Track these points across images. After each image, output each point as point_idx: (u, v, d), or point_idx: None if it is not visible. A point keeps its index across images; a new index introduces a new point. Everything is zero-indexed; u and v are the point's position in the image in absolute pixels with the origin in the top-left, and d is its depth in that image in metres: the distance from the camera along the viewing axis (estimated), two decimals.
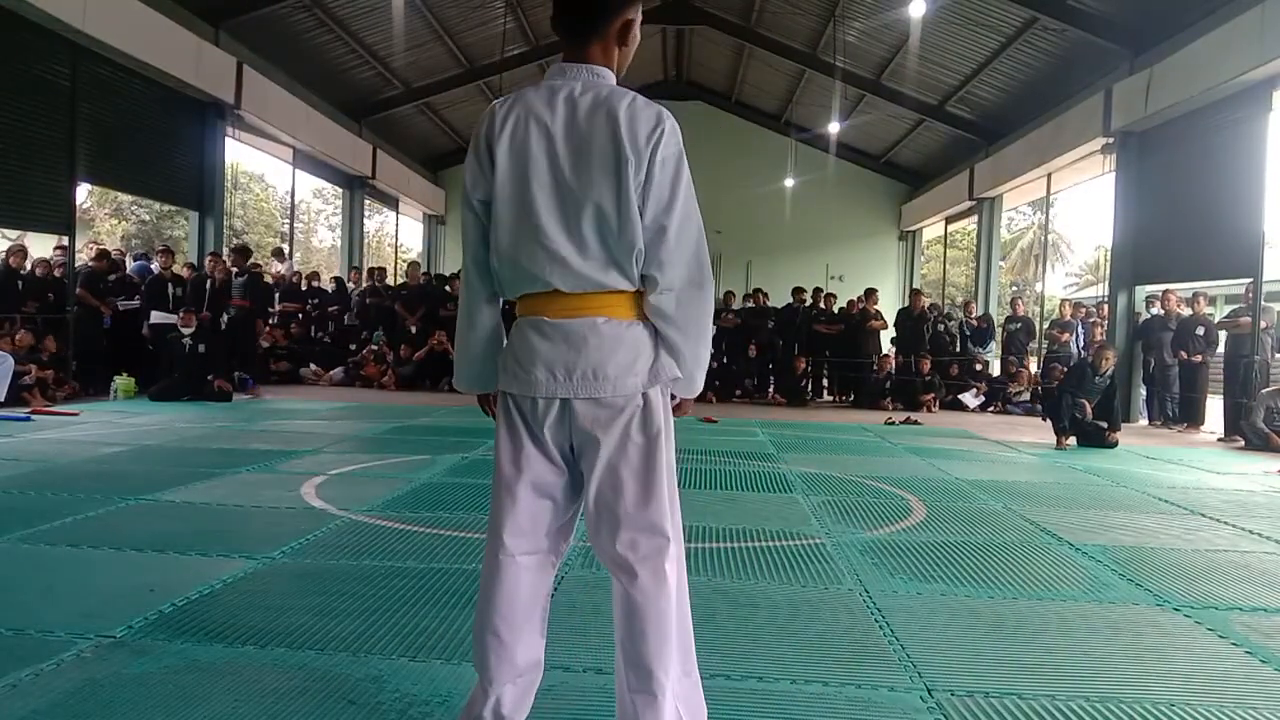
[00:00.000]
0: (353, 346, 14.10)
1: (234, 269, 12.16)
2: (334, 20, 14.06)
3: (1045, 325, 14.66)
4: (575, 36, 1.96)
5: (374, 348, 13.64)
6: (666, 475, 1.94)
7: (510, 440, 1.99)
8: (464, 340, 2.10)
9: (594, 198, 1.86)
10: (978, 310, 15.52)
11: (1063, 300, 17.51)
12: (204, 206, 12.45)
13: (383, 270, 15.46)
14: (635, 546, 1.91)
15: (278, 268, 15.47)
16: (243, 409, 9.52)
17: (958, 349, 13.86)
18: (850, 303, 14.51)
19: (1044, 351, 13.99)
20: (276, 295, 13.94)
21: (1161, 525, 5.03)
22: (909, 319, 13.94)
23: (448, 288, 14.28)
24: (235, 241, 17.61)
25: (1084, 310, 14.25)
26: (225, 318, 11.60)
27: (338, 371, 13.53)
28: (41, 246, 12.59)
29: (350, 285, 15.17)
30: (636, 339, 1.94)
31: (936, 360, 13.59)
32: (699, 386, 2.04)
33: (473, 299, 2.07)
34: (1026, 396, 12.68)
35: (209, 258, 11.67)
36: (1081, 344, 13.27)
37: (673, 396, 2.05)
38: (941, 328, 14.01)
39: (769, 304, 14.16)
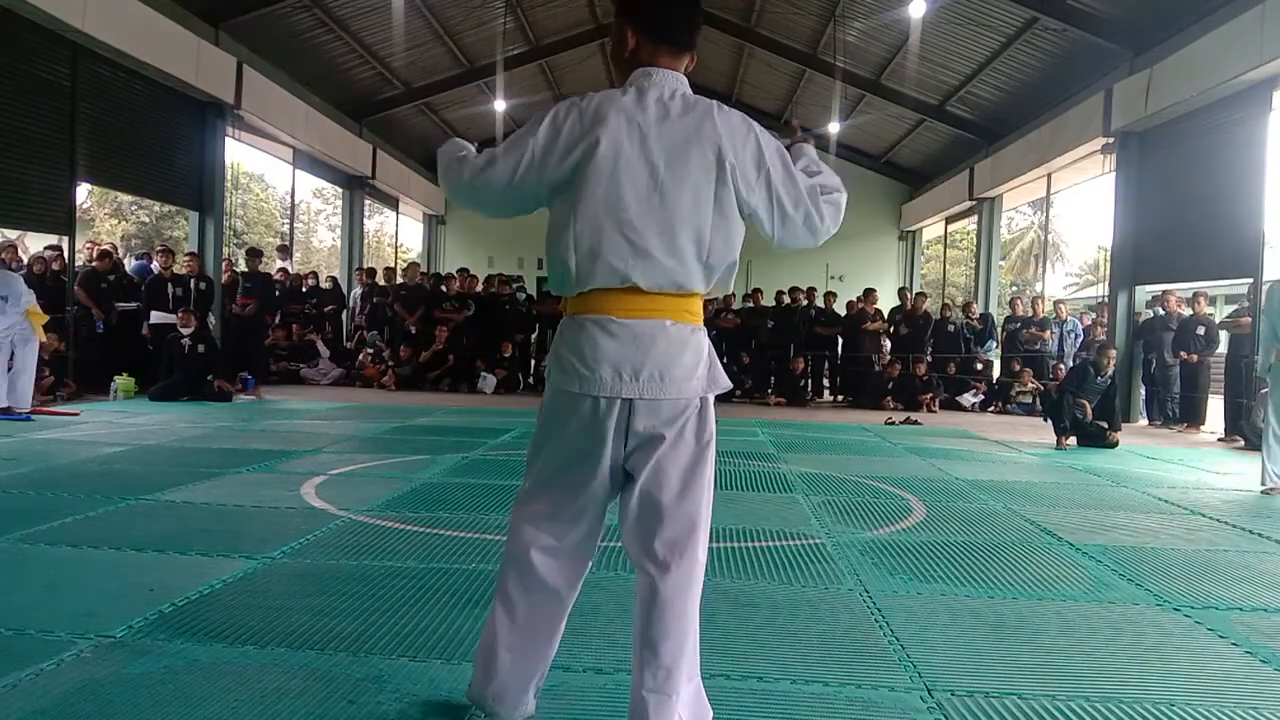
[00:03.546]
0: (350, 346, 14.12)
1: (243, 269, 12.17)
2: (334, 20, 14.04)
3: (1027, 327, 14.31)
4: (679, 50, 2.05)
5: (370, 349, 13.63)
6: (708, 481, 2.00)
7: (559, 438, 2.02)
8: (475, 179, 2.07)
9: (691, 197, 1.93)
10: (978, 310, 15.52)
11: (1050, 300, 17.38)
12: (204, 206, 12.44)
13: (371, 270, 15.45)
14: (675, 545, 1.95)
15: (280, 264, 15.47)
16: (243, 409, 9.52)
17: (966, 350, 13.84)
18: (850, 303, 14.50)
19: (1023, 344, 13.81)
20: (276, 294, 13.95)
21: (1161, 525, 5.03)
22: (908, 320, 13.93)
23: (444, 287, 14.28)
24: (236, 241, 17.60)
25: (1065, 311, 14.22)
26: (217, 318, 11.57)
27: (334, 371, 13.53)
28: (35, 244, 12.57)
29: (357, 288, 15.14)
30: (699, 344, 2.01)
31: (938, 359, 13.60)
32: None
33: (484, 179, 2.05)
34: (1029, 400, 12.65)
35: (186, 257, 11.60)
36: (1080, 343, 13.26)
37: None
38: (952, 328, 14.00)
39: (779, 302, 14.07)
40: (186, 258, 11.52)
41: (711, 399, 2.02)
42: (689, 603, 1.96)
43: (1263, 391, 9.21)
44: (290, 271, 14.94)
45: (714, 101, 2.01)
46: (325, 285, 15.26)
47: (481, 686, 2.15)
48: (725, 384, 2.05)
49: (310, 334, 14.02)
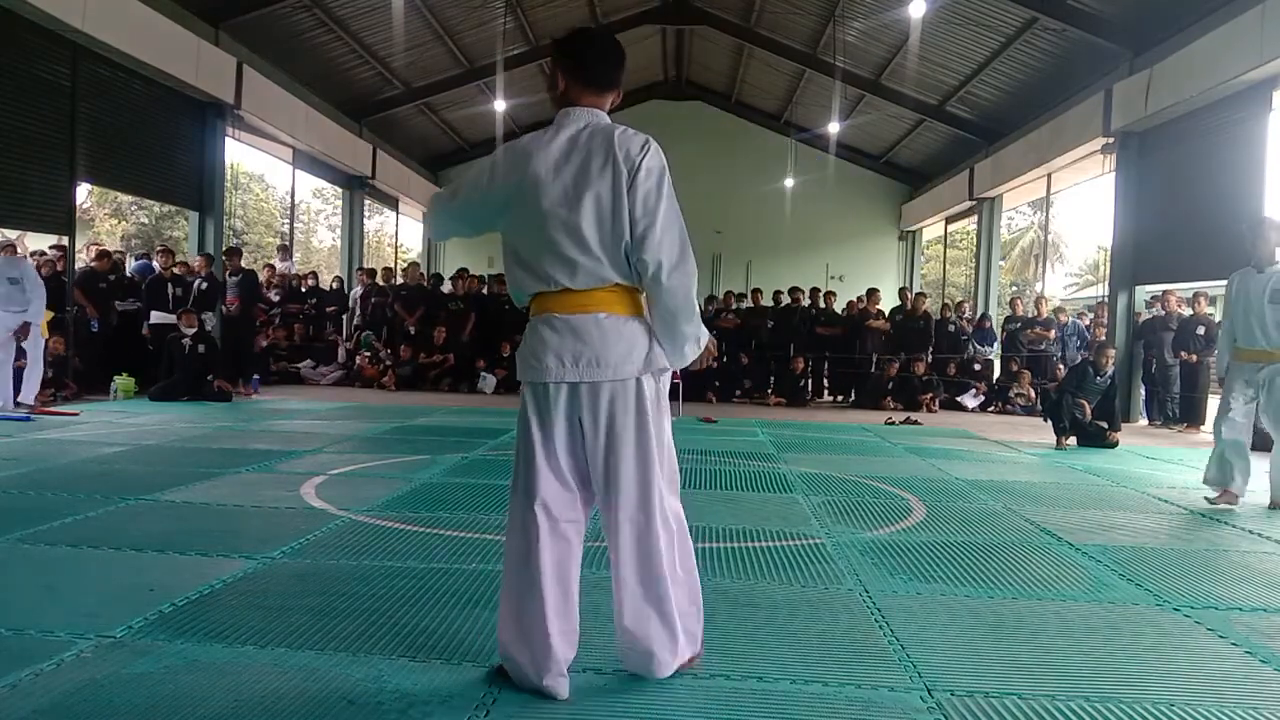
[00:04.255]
0: (349, 347, 14.10)
1: (228, 270, 12.16)
2: (334, 20, 14.04)
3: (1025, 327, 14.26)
4: (601, 90, 2.46)
5: (366, 354, 13.60)
6: (659, 445, 2.37)
7: (526, 422, 2.40)
8: (440, 216, 2.67)
9: (592, 198, 2.31)
10: (975, 310, 15.50)
11: (1052, 300, 17.38)
12: (204, 206, 12.43)
13: (372, 270, 15.43)
14: (638, 505, 2.35)
15: (280, 264, 15.45)
16: (243, 409, 9.52)
17: (970, 350, 13.83)
18: (850, 303, 14.49)
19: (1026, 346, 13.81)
20: (273, 294, 13.91)
21: (1161, 525, 5.03)
22: (908, 320, 13.91)
23: (444, 288, 14.25)
24: (233, 242, 17.60)
25: (1066, 316, 14.19)
26: (217, 318, 11.57)
27: (333, 372, 13.53)
28: (37, 244, 12.55)
29: (358, 287, 15.12)
30: (633, 333, 2.38)
31: (938, 360, 13.59)
32: (689, 356, 2.45)
33: (455, 213, 2.62)
34: (1027, 403, 12.63)
35: (199, 257, 11.64)
36: (1079, 344, 13.26)
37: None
38: (953, 328, 13.99)
39: (778, 301, 14.03)
40: (200, 258, 11.56)
41: (649, 379, 2.37)
42: (653, 538, 2.34)
43: None
44: (277, 269, 14.86)
45: (622, 126, 2.39)
46: (334, 286, 15.26)
47: (539, 671, 2.35)
48: (662, 365, 2.40)
49: (332, 334, 14.07)
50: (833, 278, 20.50)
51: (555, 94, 2.49)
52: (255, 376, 11.42)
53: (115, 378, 9.99)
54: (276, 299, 13.95)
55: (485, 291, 14.01)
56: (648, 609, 2.38)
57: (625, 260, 2.34)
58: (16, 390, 8.33)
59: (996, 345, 14.34)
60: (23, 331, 8.03)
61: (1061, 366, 12.47)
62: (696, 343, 2.43)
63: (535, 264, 2.36)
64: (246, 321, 12.07)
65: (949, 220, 20.29)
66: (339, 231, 20.04)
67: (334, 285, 15.36)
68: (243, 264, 12.60)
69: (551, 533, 2.35)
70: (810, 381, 13.95)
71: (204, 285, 11.20)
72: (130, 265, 12.88)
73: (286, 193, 21.90)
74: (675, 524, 2.41)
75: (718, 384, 13.12)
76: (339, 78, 15.91)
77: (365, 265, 16.77)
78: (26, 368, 8.16)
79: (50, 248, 10.66)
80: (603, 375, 2.32)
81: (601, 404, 2.33)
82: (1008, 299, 17.00)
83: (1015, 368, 13.24)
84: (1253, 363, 5.51)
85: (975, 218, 18.29)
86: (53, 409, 8.46)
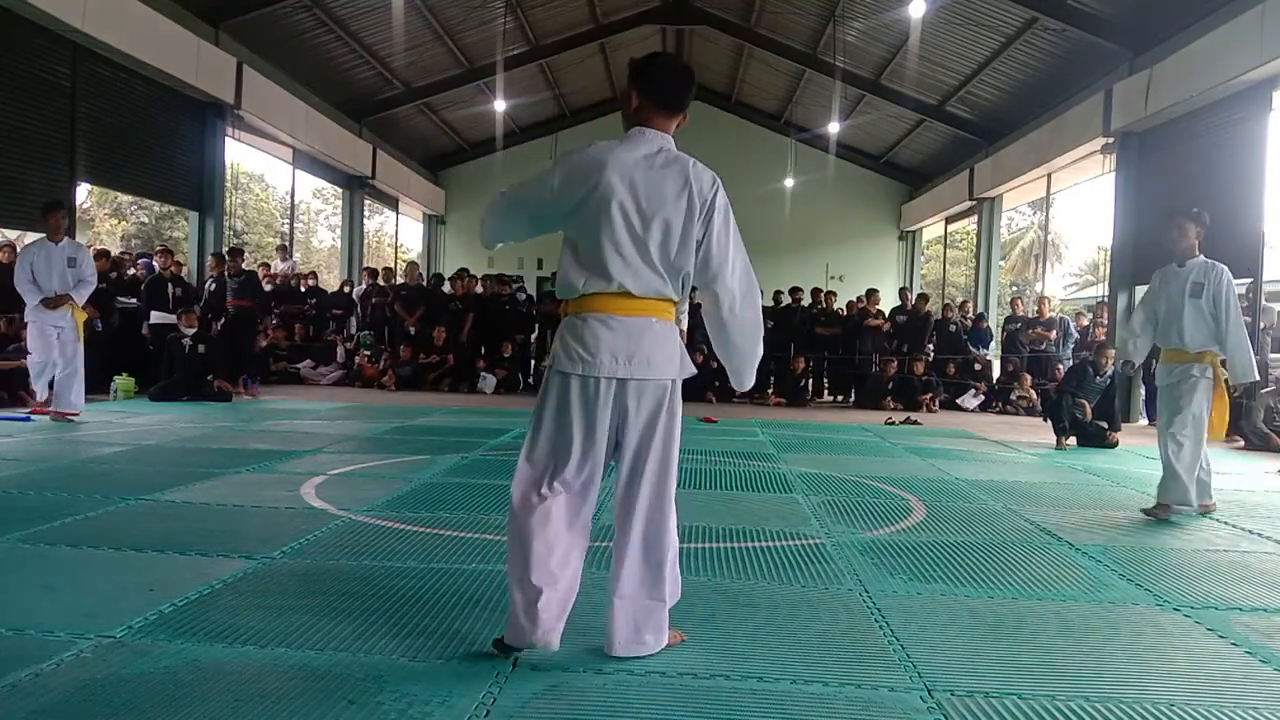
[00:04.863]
0: (349, 347, 14.10)
1: (229, 271, 12.17)
2: (334, 20, 14.05)
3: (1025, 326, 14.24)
4: (672, 113, 2.65)
5: (366, 352, 13.59)
6: (676, 445, 2.63)
7: (561, 409, 2.55)
8: (503, 217, 2.76)
9: (661, 223, 2.52)
10: (973, 310, 15.49)
11: (1053, 299, 17.38)
12: (204, 206, 12.45)
13: (372, 271, 15.44)
14: (653, 492, 2.58)
15: (279, 265, 15.45)
16: (243, 409, 9.52)
17: (961, 349, 13.83)
18: (850, 303, 14.49)
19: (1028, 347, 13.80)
20: (267, 285, 13.91)
21: (1161, 525, 5.03)
22: (909, 320, 13.91)
23: (445, 287, 14.25)
24: (235, 242, 17.60)
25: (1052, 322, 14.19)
26: (222, 319, 11.58)
27: (333, 372, 13.53)
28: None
29: (361, 286, 15.11)
30: (675, 338, 2.62)
31: (937, 360, 13.59)
32: (749, 380, 2.77)
33: (516, 214, 2.74)
34: (1029, 404, 12.62)
35: (212, 258, 11.69)
36: (1074, 344, 13.25)
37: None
38: (954, 328, 13.98)
39: (778, 302, 14.01)
40: (212, 258, 11.58)
41: (679, 383, 2.62)
42: (665, 534, 2.59)
43: (1263, 391, 9.24)
44: (272, 269, 14.86)
45: (691, 158, 2.59)
46: (344, 289, 15.25)
47: (529, 632, 2.52)
48: (692, 370, 2.64)
49: (331, 334, 14.07)
50: (833, 278, 20.51)
51: (628, 111, 2.65)
52: (255, 377, 11.42)
53: (115, 378, 9.99)
54: (270, 289, 13.92)
55: (484, 292, 14.01)
56: (643, 591, 2.60)
57: (680, 282, 2.58)
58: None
59: (994, 345, 14.33)
60: (58, 302, 7.80)
61: (1061, 366, 12.47)
62: (754, 367, 2.75)
63: (600, 266, 2.52)
64: (247, 322, 12.07)
65: (949, 220, 20.30)
66: (339, 231, 20.05)
67: (344, 289, 15.34)
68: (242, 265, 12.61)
69: (567, 498, 2.56)
70: (810, 381, 13.95)
71: (213, 286, 11.21)
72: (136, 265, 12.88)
73: (286, 193, 21.91)
74: (672, 504, 2.66)
75: (718, 384, 13.11)
76: (339, 78, 15.92)
77: (366, 265, 16.76)
78: (66, 375, 7.90)
79: None
80: (650, 374, 2.53)
81: (645, 399, 2.54)
82: (1008, 299, 17.01)
83: (1012, 368, 13.24)
84: (1171, 363, 5.27)
85: (975, 218, 18.30)
86: (53, 409, 8.44)
